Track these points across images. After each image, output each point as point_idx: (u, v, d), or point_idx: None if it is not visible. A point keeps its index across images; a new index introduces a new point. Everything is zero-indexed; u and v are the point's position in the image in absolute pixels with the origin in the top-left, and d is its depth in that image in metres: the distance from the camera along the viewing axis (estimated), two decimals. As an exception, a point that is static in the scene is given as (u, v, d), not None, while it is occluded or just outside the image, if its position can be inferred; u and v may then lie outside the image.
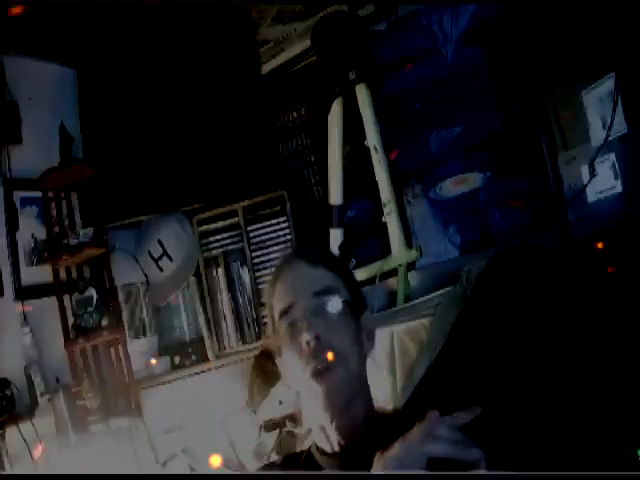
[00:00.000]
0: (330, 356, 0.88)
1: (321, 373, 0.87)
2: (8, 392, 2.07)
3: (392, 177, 2.26)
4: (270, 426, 2.30)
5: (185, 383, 2.51)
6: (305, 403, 0.94)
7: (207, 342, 2.54)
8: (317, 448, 0.95)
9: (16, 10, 2.26)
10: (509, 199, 2.14)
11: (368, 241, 2.42)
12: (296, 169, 2.66)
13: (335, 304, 0.91)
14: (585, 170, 1.83)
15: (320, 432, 0.92)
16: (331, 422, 0.89)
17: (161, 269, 2.57)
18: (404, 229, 2.26)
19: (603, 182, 1.79)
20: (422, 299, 2.03)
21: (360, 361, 0.93)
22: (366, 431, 0.91)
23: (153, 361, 2.55)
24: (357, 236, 2.45)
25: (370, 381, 0.96)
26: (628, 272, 1.44)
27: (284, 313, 0.92)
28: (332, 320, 0.90)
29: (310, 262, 0.95)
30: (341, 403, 0.88)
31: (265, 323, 2.48)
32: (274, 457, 2.12)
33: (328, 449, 0.92)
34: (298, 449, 1.17)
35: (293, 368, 0.91)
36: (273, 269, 1.01)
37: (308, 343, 0.88)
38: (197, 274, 2.57)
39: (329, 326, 0.89)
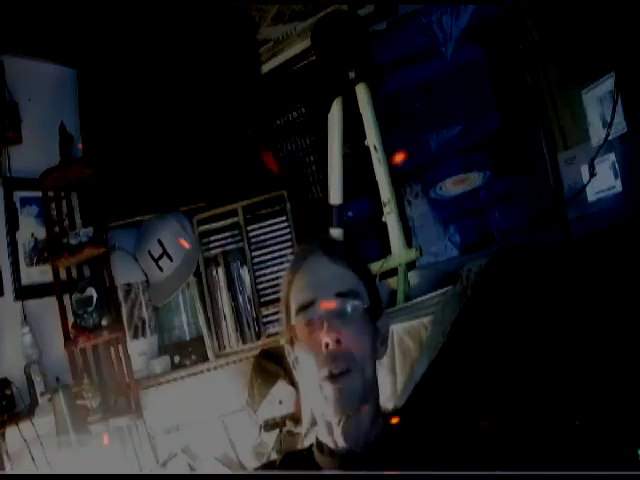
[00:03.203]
0: (348, 362, 0.87)
1: (336, 378, 0.86)
2: (8, 392, 2.07)
3: (392, 177, 2.26)
4: (270, 426, 2.30)
5: (185, 383, 2.51)
6: (309, 397, 0.93)
7: (207, 342, 2.53)
8: (318, 445, 0.95)
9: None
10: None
11: (368, 241, 2.42)
12: (296, 169, 2.66)
13: (357, 309, 0.90)
14: (585, 169, 1.83)
15: (325, 428, 0.92)
16: (338, 424, 0.89)
17: (161, 269, 2.57)
18: (404, 229, 2.26)
19: (603, 181, 1.79)
20: (422, 298, 2.03)
21: (373, 365, 0.92)
22: (370, 431, 0.91)
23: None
24: (357, 236, 2.45)
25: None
26: (628, 272, 1.44)
27: (303, 308, 0.90)
28: (352, 325, 0.89)
29: (335, 259, 0.92)
30: (351, 408, 0.88)
31: (265, 323, 2.48)
32: (274, 457, 2.12)
33: (330, 444, 0.92)
34: (297, 448, 1.17)
35: (306, 365, 0.90)
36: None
37: (327, 345, 0.86)
38: (197, 274, 2.57)
39: (349, 330, 0.88)
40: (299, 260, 0.95)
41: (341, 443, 0.90)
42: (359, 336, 0.89)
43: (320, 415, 0.92)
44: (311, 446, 0.97)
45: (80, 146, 2.49)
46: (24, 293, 2.31)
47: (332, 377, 0.86)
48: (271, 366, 2.32)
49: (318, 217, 2.51)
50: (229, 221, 2.56)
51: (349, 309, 0.89)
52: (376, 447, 0.90)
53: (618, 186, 1.75)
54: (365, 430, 0.90)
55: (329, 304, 0.89)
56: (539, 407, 1.37)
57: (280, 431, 2.28)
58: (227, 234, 2.56)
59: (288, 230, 2.50)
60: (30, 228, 2.40)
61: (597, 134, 1.80)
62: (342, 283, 0.91)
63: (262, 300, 2.48)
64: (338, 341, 0.86)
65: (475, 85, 2.19)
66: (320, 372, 0.87)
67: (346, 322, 0.88)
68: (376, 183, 2.26)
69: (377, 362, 0.95)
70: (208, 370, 2.52)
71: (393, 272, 2.25)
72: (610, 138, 1.73)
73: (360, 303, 0.90)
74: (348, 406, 0.88)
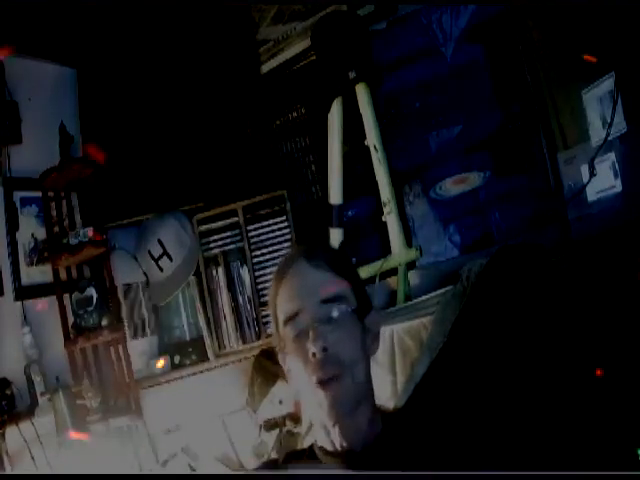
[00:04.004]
0: (336, 368, 0.87)
1: (327, 384, 0.86)
2: (8, 392, 2.07)
3: (392, 177, 2.26)
4: (270, 425, 2.30)
5: (185, 383, 2.51)
6: (306, 402, 0.93)
7: (207, 341, 2.54)
8: (319, 446, 0.95)
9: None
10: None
11: (368, 240, 2.43)
12: (296, 169, 2.66)
13: (343, 314, 0.90)
14: (585, 169, 1.84)
15: (322, 431, 0.93)
16: (334, 426, 0.90)
17: (161, 269, 2.57)
18: (404, 228, 2.26)
19: (603, 181, 1.79)
20: (422, 298, 2.03)
21: (366, 365, 0.92)
22: (369, 431, 0.91)
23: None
24: (357, 235, 2.45)
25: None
26: (627, 271, 1.44)
27: (290, 319, 0.90)
28: (339, 329, 0.89)
29: (316, 265, 0.92)
30: (345, 411, 0.88)
31: (265, 323, 2.48)
32: (274, 456, 2.13)
33: (330, 448, 0.92)
34: (299, 448, 1.17)
35: (297, 373, 0.90)
36: (275, 268, 0.99)
37: (314, 354, 0.86)
38: (197, 273, 2.57)
39: (336, 336, 0.88)
40: (283, 269, 0.95)
41: (339, 445, 0.90)
42: (347, 340, 0.89)
43: (317, 419, 0.93)
44: (312, 446, 0.97)
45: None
46: (24, 293, 2.31)
47: (323, 383, 0.86)
48: (271, 365, 2.32)
49: (318, 217, 2.51)
50: (229, 221, 2.56)
51: (335, 314, 0.89)
52: (375, 446, 0.90)
53: (618, 186, 1.75)
54: (363, 430, 0.90)
55: (314, 312, 0.89)
56: (540, 406, 1.37)
57: (280, 431, 2.28)
58: (227, 234, 2.57)
59: (288, 230, 2.51)
60: (30, 228, 2.40)
61: (597, 134, 1.79)
62: (326, 289, 0.90)
63: (262, 300, 2.48)
64: (325, 349, 0.86)
65: (475, 85, 2.19)
66: (311, 379, 0.87)
67: (333, 328, 0.88)
68: (376, 183, 2.26)
69: (374, 361, 0.95)
70: (208, 370, 2.52)
71: (393, 272, 2.25)
72: (610, 138, 1.73)
73: (346, 306, 0.90)
74: (342, 411, 0.88)
